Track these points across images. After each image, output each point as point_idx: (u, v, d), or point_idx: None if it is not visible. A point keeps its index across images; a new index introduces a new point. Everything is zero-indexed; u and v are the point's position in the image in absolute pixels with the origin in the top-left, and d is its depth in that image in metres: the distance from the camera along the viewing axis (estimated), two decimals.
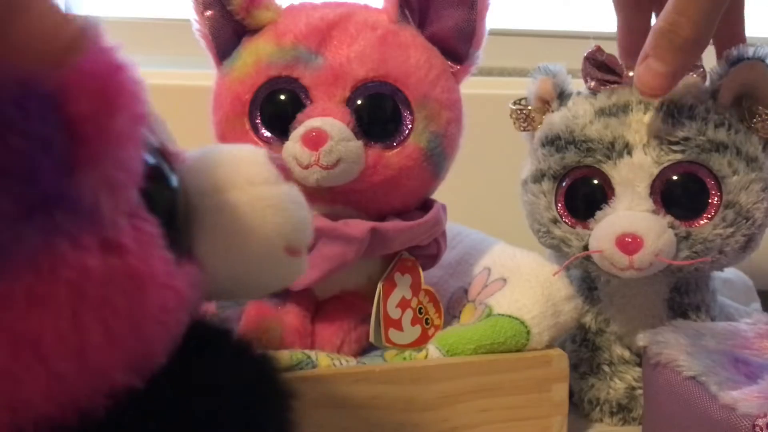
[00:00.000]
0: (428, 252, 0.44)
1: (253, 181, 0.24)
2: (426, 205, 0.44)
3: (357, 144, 0.39)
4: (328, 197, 0.40)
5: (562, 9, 0.80)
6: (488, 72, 0.72)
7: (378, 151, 0.40)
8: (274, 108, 0.41)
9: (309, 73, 0.40)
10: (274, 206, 0.24)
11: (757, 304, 0.52)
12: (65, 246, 0.17)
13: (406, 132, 0.41)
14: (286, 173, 0.25)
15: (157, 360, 0.20)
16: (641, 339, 0.40)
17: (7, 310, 0.16)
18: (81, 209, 0.17)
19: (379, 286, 0.41)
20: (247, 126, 0.41)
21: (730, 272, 0.53)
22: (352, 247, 0.39)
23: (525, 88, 0.47)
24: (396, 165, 0.40)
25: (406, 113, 0.41)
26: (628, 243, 0.39)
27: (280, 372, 0.24)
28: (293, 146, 0.38)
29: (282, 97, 0.40)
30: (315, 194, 0.39)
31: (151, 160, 0.21)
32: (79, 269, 0.17)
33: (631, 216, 0.40)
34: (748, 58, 0.40)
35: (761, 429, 0.31)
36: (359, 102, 0.40)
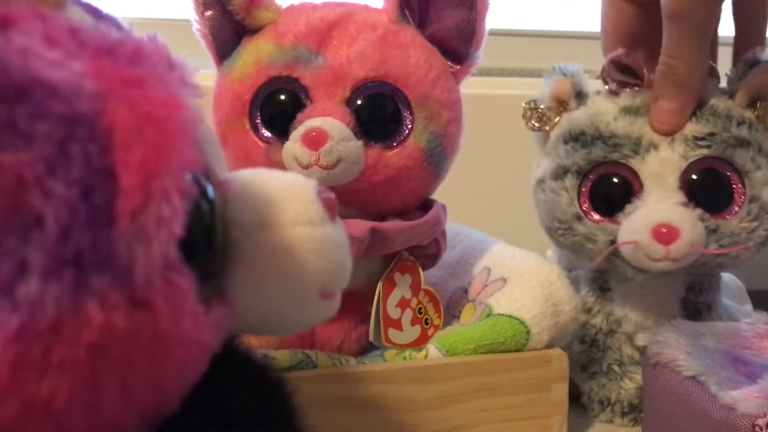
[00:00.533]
0: (428, 252, 0.44)
1: (296, 221, 0.22)
2: (426, 205, 0.44)
3: (357, 144, 0.39)
4: None
5: (562, 9, 0.80)
6: (488, 72, 0.72)
7: (378, 151, 0.40)
8: (274, 108, 0.40)
9: (309, 73, 0.40)
10: (314, 251, 0.22)
11: (749, 306, 0.52)
12: (92, 306, 0.15)
13: (406, 132, 0.40)
14: (333, 210, 0.24)
15: (171, 407, 0.19)
16: (641, 339, 0.41)
17: (21, 371, 0.15)
18: (113, 266, 0.16)
19: (379, 285, 0.41)
20: (247, 126, 0.41)
21: (725, 276, 0.53)
22: (352, 246, 0.39)
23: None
24: (396, 165, 0.40)
25: (406, 113, 0.41)
26: (665, 233, 0.39)
27: (295, 404, 0.23)
28: (293, 146, 0.38)
29: (282, 97, 0.40)
30: None
31: (202, 180, 0.20)
32: (103, 331, 0.15)
33: (665, 207, 0.41)
34: (765, 62, 0.41)
35: (761, 429, 0.31)
36: (359, 102, 0.40)
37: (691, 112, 0.42)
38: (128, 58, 0.18)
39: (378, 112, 0.40)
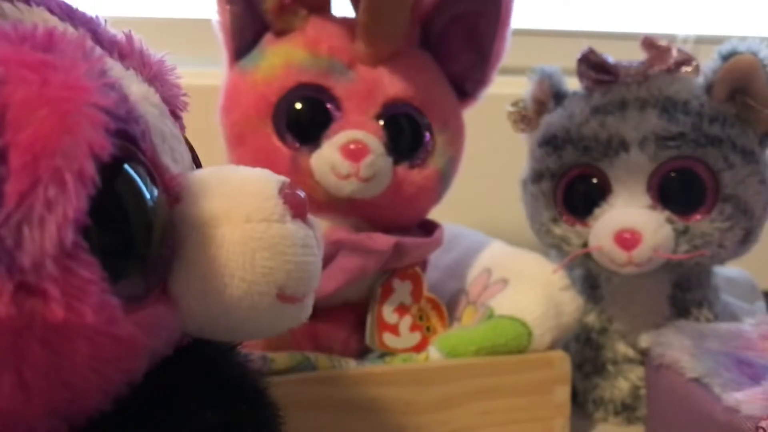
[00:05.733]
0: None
1: (250, 217, 0.21)
2: (423, 224, 0.44)
3: (389, 160, 0.39)
4: (345, 209, 0.40)
5: (562, 8, 0.80)
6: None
7: (404, 170, 0.41)
8: (302, 113, 0.40)
9: (341, 84, 0.40)
10: (267, 249, 0.21)
11: (761, 303, 0.51)
12: None
13: (428, 154, 0.42)
14: (299, 208, 0.22)
15: (96, 406, 0.18)
16: (644, 340, 0.40)
17: None
18: None
19: (378, 290, 0.41)
20: (270, 129, 0.40)
21: (735, 272, 0.53)
22: (373, 259, 0.39)
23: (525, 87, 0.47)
24: (417, 184, 0.41)
25: (428, 135, 0.42)
26: (627, 239, 0.39)
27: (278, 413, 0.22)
28: (331, 155, 0.38)
29: (310, 103, 0.40)
30: (333, 204, 0.39)
31: (131, 173, 0.19)
32: None
33: (628, 212, 0.41)
34: (741, 53, 0.40)
35: (764, 430, 0.31)
36: (388, 119, 0.40)
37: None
38: (38, 44, 0.17)
39: (406, 130, 0.41)
